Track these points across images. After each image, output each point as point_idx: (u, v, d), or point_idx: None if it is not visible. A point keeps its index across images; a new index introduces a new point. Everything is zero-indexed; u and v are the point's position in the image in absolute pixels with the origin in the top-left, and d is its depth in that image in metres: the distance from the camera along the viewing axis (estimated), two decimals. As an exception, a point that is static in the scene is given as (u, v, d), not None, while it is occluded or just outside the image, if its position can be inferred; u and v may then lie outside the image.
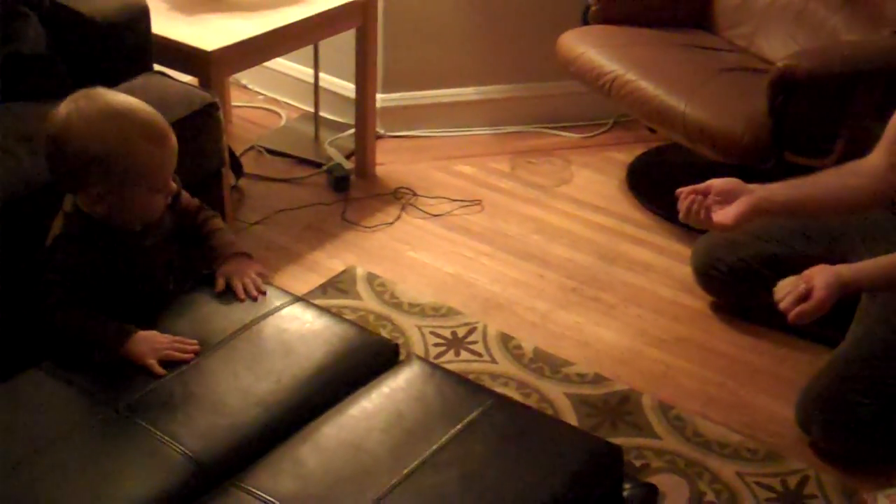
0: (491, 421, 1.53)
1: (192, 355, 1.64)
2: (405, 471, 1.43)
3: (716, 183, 2.05)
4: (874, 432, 2.10)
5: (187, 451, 1.46)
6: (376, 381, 1.62)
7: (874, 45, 2.65)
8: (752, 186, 2.07)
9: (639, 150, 3.27)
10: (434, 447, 1.48)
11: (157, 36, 2.44)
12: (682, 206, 2.05)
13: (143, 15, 2.39)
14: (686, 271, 2.64)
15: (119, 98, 1.64)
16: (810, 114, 2.53)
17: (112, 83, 2.32)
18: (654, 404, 2.27)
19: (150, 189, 1.65)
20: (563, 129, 3.41)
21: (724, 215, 2.03)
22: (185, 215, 1.86)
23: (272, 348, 1.66)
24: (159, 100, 2.27)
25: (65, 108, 1.62)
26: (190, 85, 2.43)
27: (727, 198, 2.05)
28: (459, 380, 1.68)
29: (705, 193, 2.03)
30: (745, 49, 3.00)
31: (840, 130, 2.54)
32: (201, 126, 2.30)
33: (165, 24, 2.53)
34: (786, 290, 1.97)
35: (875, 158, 2.16)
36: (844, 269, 1.96)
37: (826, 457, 2.14)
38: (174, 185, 1.72)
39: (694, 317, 2.57)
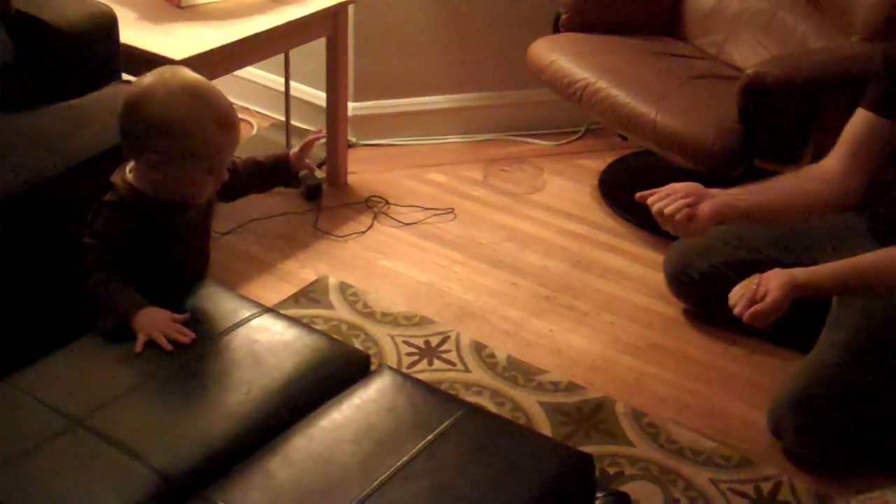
0: (462, 431, 1.52)
1: (171, 347, 1.64)
2: (375, 483, 1.42)
3: (677, 186, 2.05)
4: (846, 438, 2.10)
5: (154, 465, 1.44)
6: (347, 392, 1.60)
7: (842, 52, 2.67)
8: (713, 191, 2.07)
9: (611, 158, 3.27)
10: (405, 458, 1.46)
11: (125, 45, 2.42)
12: (658, 207, 2.02)
13: (111, 24, 2.37)
14: (659, 278, 2.64)
15: (201, 79, 1.74)
16: (780, 120, 2.55)
17: (79, 93, 2.32)
18: (628, 412, 2.26)
19: (204, 169, 1.73)
20: (536, 136, 3.41)
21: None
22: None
23: (241, 359, 1.65)
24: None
25: (151, 76, 1.71)
26: (159, 94, 2.41)
27: (689, 202, 2.04)
28: (431, 390, 1.67)
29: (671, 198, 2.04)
30: (716, 56, 3.01)
31: (809, 137, 2.56)
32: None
33: (134, 32, 2.51)
34: (739, 293, 1.96)
35: (831, 163, 2.17)
36: (799, 272, 1.96)
37: (799, 463, 2.15)
38: (226, 175, 1.79)
39: (667, 324, 2.57)
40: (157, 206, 1.76)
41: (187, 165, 1.71)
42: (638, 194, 2.08)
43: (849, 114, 2.22)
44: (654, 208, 2.04)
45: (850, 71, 2.51)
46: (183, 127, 1.67)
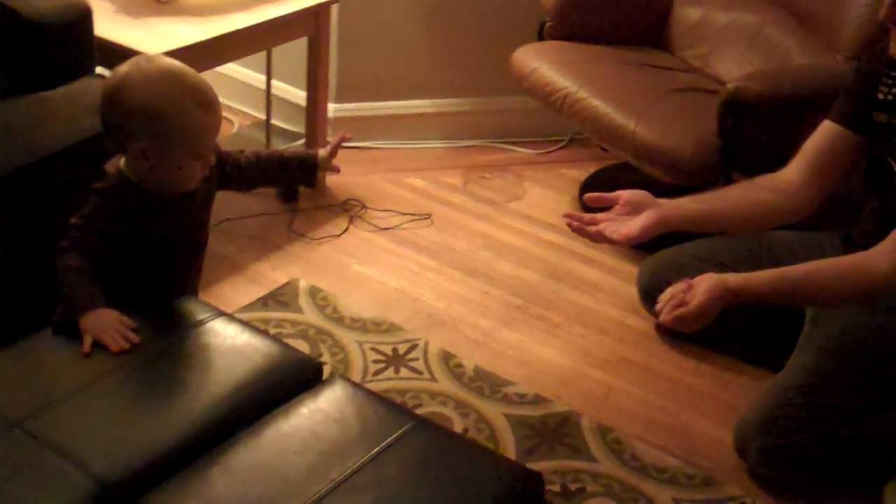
0: (409, 444, 1.49)
1: (117, 347, 1.62)
2: (316, 496, 1.39)
3: (624, 194, 2.02)
4: (810, 460, 2.08)
5: (90, 471, 1.41)
6: (295, 400, 1.58)
7: (825, 69, 2.65)
8: (660, 200, 2.04)
9: (593, 168, 3.24)
10: (348, 471, 1.43)
11: (100, 39, 2.39)
12: (572, 223, 1.97)
13: (86, 16, 2.33)
14: (633, 292, 2.61)
15: (178, 63, 1.74)
16: (760, 135, 2.52)
17: (52, 86, 2.29)
18: (593, 427, 2.23)
19: (189, 153, 1.71)
20: (518, 144, 3.38)
21: (629, 227, 1.99)
22: (229, 174, 1.92)
23: (190, 364, 1.62)
24: (97, 104, 2.23)
25: (126, 65, 1.71)
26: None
27: (635, 209, 2.01)
28: (381, 401, 1.64)
29: (613, 203, 2.00)
30: (700, 70, 2.99)
31: (789, 153, 2.52)
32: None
33: (110, 26, 2.48)
34: (667, 296, 1.92)
35: (789, 174, 2.15)
36: (732, 277, 1.92)
37: (763, 483, 2.12)
38: (212, 158, 1.78)
39: (638, 338, 2.54)
40: (147, 197, 1.75)
41: (172, 151, 1.70)
42: (587, 196, 2.04)
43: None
44: (585, 218, 1.99)
45: (832, 89, 2.45)
46: (163, 112, 1.67)
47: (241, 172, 1.94)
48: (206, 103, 1.71)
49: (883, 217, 2.17)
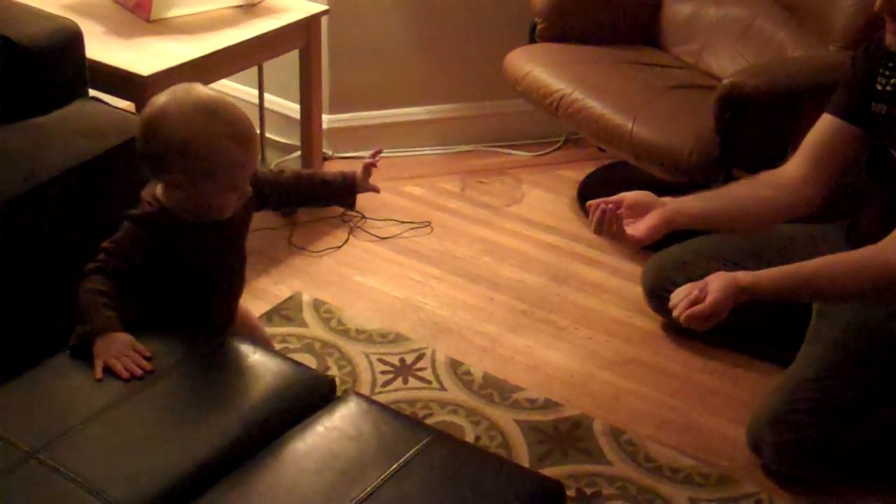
0: (428, 460, 1.48)
1: (126, 374, 1.59)
2: (338, 515, 1.38)
3: (628, 196, 2.02)
4: (824, 454, 2.07)
5: (109, 499, 1.40)
6: (310, 419, 1.56)
7: (820, 60, 2.64)
8: (664, 199, 2.04)
9: (590, 168, 3.23)
10: (369, 489, 1.42)
11: (92, 61, 2.38)
12: (593, 218, 1.98)
13: (76, 39, 2.32)
14: (637, 291, 2.60)
15: (215, 96, 1.73)
16: (758, 130, 2.52)
17: (45, 110, 2.28)
18: (606, 429, 2.23)
19: (224, 186, 1.71)
20: (514, 147, 3.37)
21: (635, 229, 1.99)
22: (266, 196, 1.89)
23: (203, 387, 1.61)
24: (93, 127, 2.23)
25: (164, 95, 1.70)
26: (126, 111, 2.37)
27: (639, 211, 2.01)
28: (397, 416, 1.63)
29: (617, 206, 1.99)
30: (693, 65, 2.98)
31: (788, 146, 2.52)
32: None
33: (100, 48, 2.47)
34: (681, 294, 1.91)
35: (790, 169, 2.15)
36: (743, 275, 1.92)
37: (778, 480, 2.12)
38: (249, 189, 1.77)
39: (646, 338, 2.53)
40: (183, 224, 1.74)
41: (207, 184, 1.69)
42: (589, 202, 2.03)
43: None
44: (593, 227, 1.99)
45: (828, 80, 2.45)
46: (199, 146, 1.66)
47: (282, 194, 1.92)
48: (242, 138, 1.70)
49: (886, 209, 2.17)
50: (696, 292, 1.88)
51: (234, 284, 1.91)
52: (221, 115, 1.68)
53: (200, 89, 1.72)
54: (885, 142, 2.09)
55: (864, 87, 2.10)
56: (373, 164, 1.98)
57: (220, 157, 1.67)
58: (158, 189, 1.75)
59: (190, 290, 1.79)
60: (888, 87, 2.07)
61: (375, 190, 2.02)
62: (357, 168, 1.99)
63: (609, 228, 1.96)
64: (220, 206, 1.74)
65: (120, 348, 1.62)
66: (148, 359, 1.63)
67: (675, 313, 1.91)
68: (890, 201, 2.15)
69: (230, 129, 1.68)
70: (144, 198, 1.76)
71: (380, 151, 1.99)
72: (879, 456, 2.10)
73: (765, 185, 2.16)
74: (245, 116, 1.72)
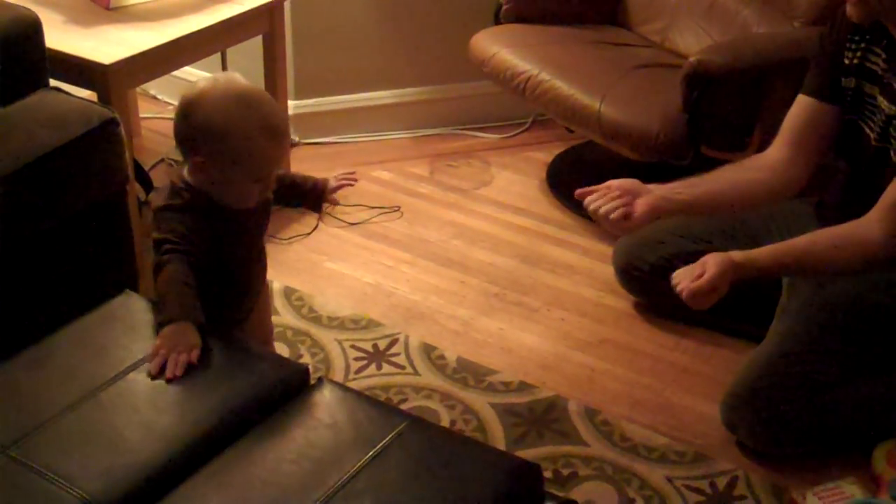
0: (405, 445, 1.47)
1: (171, 376, 1.56)
2: (316, 503, 1.36)
3: (614, 183, 2.03)
4: (798, 429, 2.08)
5: (84, 494, 1.37)
6: (285, 408, 1.54)
7: (785, 36, 2.65)
8: (650, 186, 2.06)
9: (559, 149, 3.23)
10: (346, 476, 1.41)
11: (51, 50, 2.33)
12: (594, 206, 2.00)
13: (35, 29, 2.27)
14: (609, 271, 2.60)
15: (254, 88, 1.77)
16: (725, 108, 2.52)
17: (5, 102, 2.23)
18: (581, 410, 2.23)
19: (249, 176, 1.73)
20: (482, 129, 3.36)
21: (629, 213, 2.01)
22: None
23: (175, 379, 1.58)
24: (55, 117, 2.19)
25: (206, 81, 1.74)
26: (88, 101, 2.33)
27: (625, 200, 2.02)
28: (372, 403, 1.62)
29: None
30: (659, 44, 2.98)
31: (756, 123, 2.53)
32: (101, 143, 2.20)
33: (60, 37, 2.42)
34: (682, 274, 1.96)
35: (774, 152, 2.16)
36: (736, 253, 1.97)
37: (754, 456, 2.13)
38: (273, 184, 1.80)
39: (618, 318, 2.54)
40: (219, 209, 1.76)
41: (233, 171, 1.71)
42: (577, 191, 2.05)
43: (793, 98, 2.20)
44: (591, 208, 2.03)
45: (794, 56, 2.48)
46: (231, 133, 1.68)
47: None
48: (274, 132, 1.71)
49: (854, 182, 2.18)
50: (697, 271, 1.92)
51: (260, 273, 1.94)
52: (257, 107, 1.70)
53: (242, 82, 1.75)
54: (855, 115, 2.10)
55: (833, 63, 2.11)
56: (349, 184, 1.99)
57: (250, 147, 1.69)
58: (185, 172, 1.76)
59: (223, 278, 1.80)
60: (855, 61, 2.07)
61: (335, 203, 2.03)
62: (329, 178, 2.00)
63: (608, 216, 2.00)
64: (242, 195, 1.75)
65: (180, 344, 1.59)
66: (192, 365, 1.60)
67: (678, 288, 1.94)
68: (858, 175, 2.16)
69: (264, 121, 1.70)
70: (173, 181, 1.77)
71: (355, 177, 2.01)
72: (852, 429, 2.12)
73: (749, 169, 2.18)
74: (281, 112, 1.75)
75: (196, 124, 1.70)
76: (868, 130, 2.07)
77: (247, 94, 1.72)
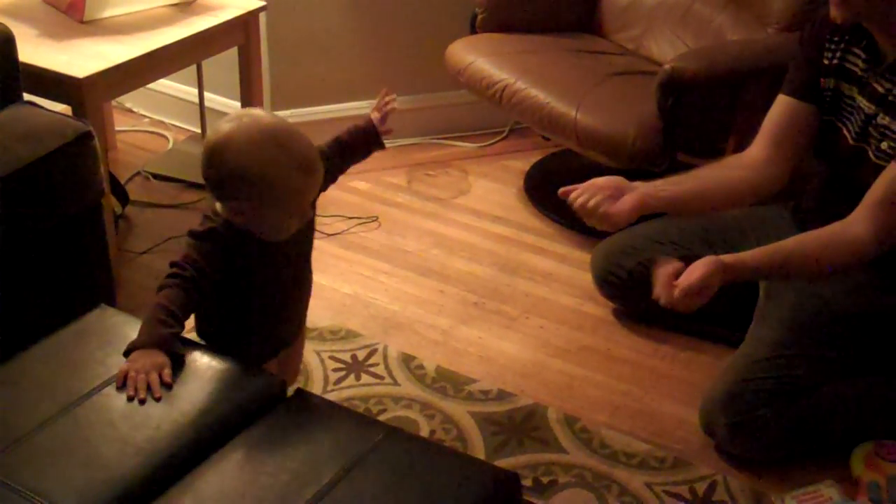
0: (382, 456, 1.47)
1: (133, 393, 1.56)
2: (293, 517, 1.36)
3: (598, 181, 2.03)
4: (776, 433, 2.09)
5: (60, 511, 1.37)
6: (262, 421, 1.54)
7: (759, 43, 2.66)
8: (635, 184, 2.06)
9: (536, 157, 3.24)
10: (323, 488, 1.41)
11: (25, 64, 2.32)
12: (580, 201, 2.00)
13: (8, 43, 2.27)
14: (587, 279, 2.61)
15: (279, 123, 1.71)
16: (700, 114, 2.54)
17: (-22, 116, 2.23)
18: (560, 417, 2.23)
19: (286, 212, 1.71)
20: (460, 139, 3.37)
21: (615, 208, 2.01)
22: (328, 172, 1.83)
23: (150, 393, 1.57)
24: (28, 132, 2.18)
25: (229, 122, 1.68)
26: (62, 115, 2.32)
27: (611, 196, 2.02)
28: (349, 414, 1.62)
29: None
30: (634, 51, 2.99)
31: (730, 129, 2.54)
32: (76, 157, 2.19)
33: (34, 51, 2.41)
34: (664, 275, 1.94)
35: (754, 152, 2.17)
36: (726, 256, 1.96)
37: (733, 461, 2.13)
38: (310, 212, 1.79)
39: (597, 325, 2.54)
40: (246, 240, 1.72)
41: (270, 211, 1.68)
42: (561, 190, 2.05)
43: (768, 105, 2.21)
44: (576, 204, 2.02)
45: (767, 63, 2.50)
46: (263, 176, 1.63)
47: (331, 163, 1.88)
48: (308, 167, 1.67)
49: (832, 184, 2.19)
50: (682, 270, 1.92)
51: (302, 298, 1.93)
52: (286, 145, 1.65)
53: (265, 117, 1.71)
54: (833, 116, 2.12)
55: (812, 63, 2.12)
56: (391, 108, 1.96)
57: (286, 186, 1.65)
58: (218, 205, 1.72)
59: (263, 305, 1.80)
60: (834, 61, 2.09)
61: (390, 131, 1.99)
62: (370, 114, 1.97)
63: (594, 211, 2.00)
64: (280, 228, 1.73)
65: (147, 365, 1.59)
66: (167, 385, 1.59)
67: (675, 293, 1.91)
68: (836, 176, 2.17)
69: (299, 159, 1.65)
70: (207, 214, 1.74)
71: (391, 95, 1.97)
72: (831, 433, 2.12)
73: (732, 168, 2.19)
74: (309, 144, 1.69)
75: (228, 171, 1.64)
76: (845, 131, 2.09)
77: (276, 133, 1.66)
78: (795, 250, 1.99)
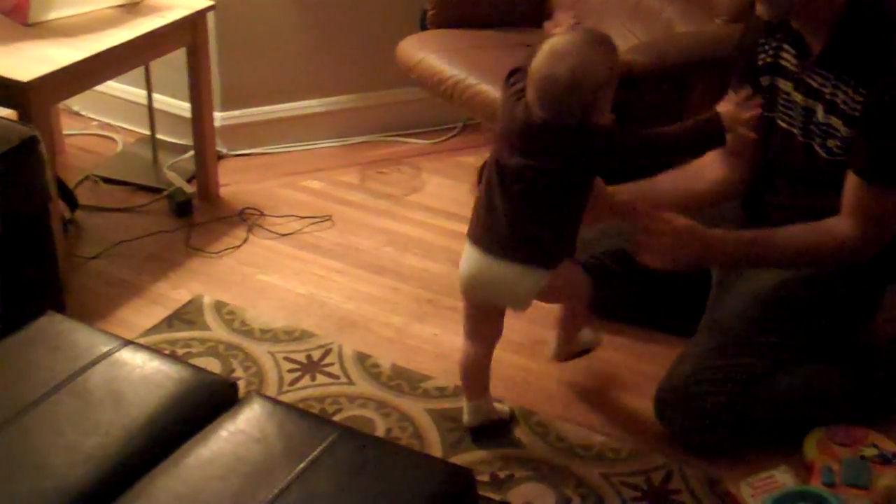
0: (336, 457, 1.46)
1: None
2: (246, 520, 1.35)
3: None
4: (730, 421, 2.10)
5: (7, 522, 1.35)
6: (214, 424, 1.53)
7: (708, 35, 2.68)
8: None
9: (488, 153, 3.23)
10: (276, 490, 1.40)
11: (-33, 69, 2.30)
12: None
13: (-51, 47, 2.24)
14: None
15: (577, 36, 1.93)
16: (650, 107, 2.54)
17: (-81, 124, 2.19)
18: (515, 412, 2.23)
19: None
20: (412, 135, 3.36)
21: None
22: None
23: (100, 399, 1.56)
24: (-28, 137, 2.15)
25: (544, 61, 1.91)
26: (8, 119, 2.29)
27: None
28: (302, 414, 1.60)
29: None
30: (584, 45, 2.99)
31: (682, 120, 2.55)
32: (22, 162, 2.17)
33: (-24, 55, 2.38)
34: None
35: (709, 157, 2.19)
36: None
37: (688, 449, 2.14)
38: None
39: (551, 318, 2.53)
40: None
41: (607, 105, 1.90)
42: None
43: (718, 97, 2.22)
44: None
45: (717, 54, 2.51)
46: (610, 79, 1.88)
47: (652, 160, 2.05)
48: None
49: (779, 180, 2.21)
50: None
51: None
52: (598, 37, 1.91)
53: (560, 36, 1.94)
54: (772, 113, 2.14)
55: (750, 64, 2.14)
56: (756, 111, 1.96)
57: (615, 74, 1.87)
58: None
59: None
60: (768, 60, 2.11)
61: (751, 135, 1.96)
62: (725, 108, 1.94)
63: None
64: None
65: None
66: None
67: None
68: (779, 172, 2.19)
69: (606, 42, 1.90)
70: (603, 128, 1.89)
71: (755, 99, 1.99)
72: (784, 419, 2.15)
73: (692, 176, 2.23)
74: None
75: (590, 89, 1.82)
76: (788, 126, 2.11)
77: (590, 37, 1.88)
78: (776, 233, 2.04)
